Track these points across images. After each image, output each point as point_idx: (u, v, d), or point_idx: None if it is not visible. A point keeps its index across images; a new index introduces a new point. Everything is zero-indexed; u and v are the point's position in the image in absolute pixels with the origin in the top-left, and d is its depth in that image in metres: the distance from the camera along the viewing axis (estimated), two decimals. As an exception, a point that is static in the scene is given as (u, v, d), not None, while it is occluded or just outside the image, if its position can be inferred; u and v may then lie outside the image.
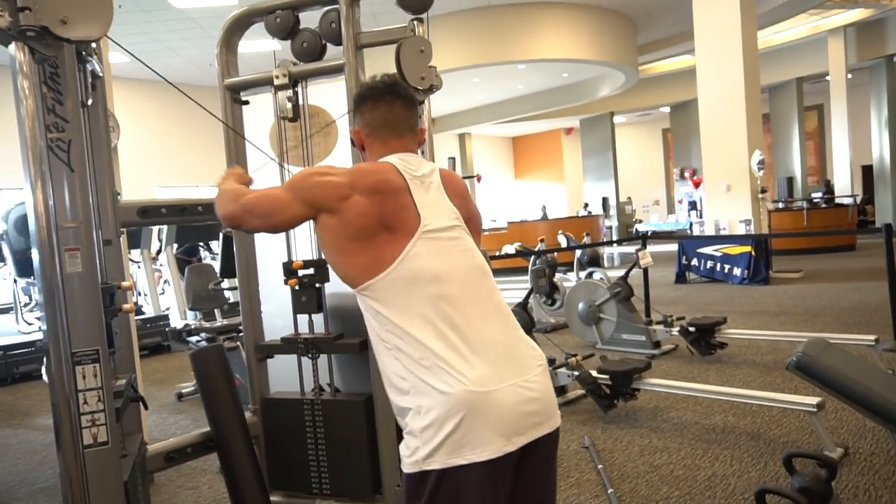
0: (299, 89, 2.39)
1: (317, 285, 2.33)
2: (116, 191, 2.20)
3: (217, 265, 5.56)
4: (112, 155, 2.60)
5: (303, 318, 2.39)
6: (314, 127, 2.45)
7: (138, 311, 7.59)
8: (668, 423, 3.42)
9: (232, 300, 5.61)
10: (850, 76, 13.69)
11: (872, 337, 4.00)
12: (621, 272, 5.69)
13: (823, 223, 11.20)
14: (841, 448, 2.81)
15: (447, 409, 1.20)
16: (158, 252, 7.88)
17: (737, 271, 8.49)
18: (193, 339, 4.76)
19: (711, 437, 3.17)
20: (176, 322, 6.85)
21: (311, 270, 2.32)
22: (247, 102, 2.51)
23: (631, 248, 12.54)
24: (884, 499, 2.41)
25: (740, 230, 8.66)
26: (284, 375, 2.56)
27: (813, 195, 13.24)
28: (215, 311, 5.23)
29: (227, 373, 2.49)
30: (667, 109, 18.44)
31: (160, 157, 12.78)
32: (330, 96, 2.48)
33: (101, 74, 2.15)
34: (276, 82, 2.34)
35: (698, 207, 15.81)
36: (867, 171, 14.93)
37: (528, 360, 1.30)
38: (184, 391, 4.77)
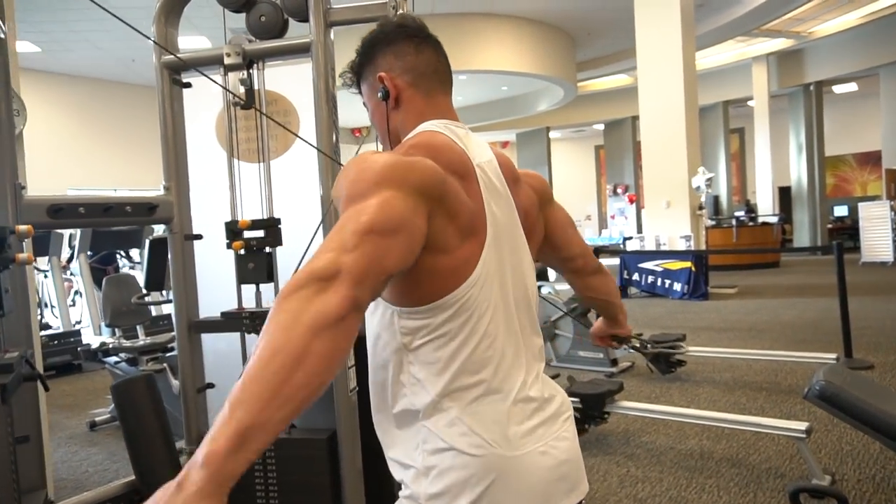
0: (255, 71, 2.03)
1: (267, 249, 1.98)
2: (20, 183, 1.76)
3: (140, 275, 4.99)
4: (16, 142, 2.14)
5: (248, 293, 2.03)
6: (273, 116, 2.09)
7: (45, 326, 6.80)
8: (643, 449, 3.22)
9: (156, 314, 5.05)
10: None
11: (833, 355, 3.98)
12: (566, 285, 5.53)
13: (752, 241, 11.62)
14: (828, 475, 2.68)
15: (468, 476, 0.91)
16: (70, 260, 7.10)
17: (677, 286, 8.58)
18: (111, 359, 4.19)
19: (691, 465, 2.99)
20: (89, 339, 6.15)
21: (260, 232, 1.96)
22: (188, 85, 2.12)
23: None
24: (883, 532, 2.28)
25: (681, 245, 8.78)
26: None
27: (736, 214, 13.76)
28: (137, 327, 4.66)
29: (157, 408, 2.07)
30: (600, 126, 18.84)
31: (73, 157, 11.75)
32: (291, 81, 2.14)
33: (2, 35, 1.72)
34: (226, 61, 1.97)
35: (638, 223, 16.14)
36: (785, 193, 15.70)
37: (555, 409, 1.02)
38: (98, 419, 4.17)
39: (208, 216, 2.19)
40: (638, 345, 1.21)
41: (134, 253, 7.64)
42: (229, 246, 1.98)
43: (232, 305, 2.05)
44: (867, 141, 15.51)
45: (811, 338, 5.61)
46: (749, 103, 15.15)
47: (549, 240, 1.20)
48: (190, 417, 2.13)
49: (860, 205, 11.89)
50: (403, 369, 0.96)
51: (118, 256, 7.44)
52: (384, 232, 0.78)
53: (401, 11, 1.88)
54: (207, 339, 2.21)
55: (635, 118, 15.83)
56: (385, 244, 0.78)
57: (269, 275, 2.01)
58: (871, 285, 8.70)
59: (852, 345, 4.67)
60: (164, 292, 4.66)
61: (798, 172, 14.68)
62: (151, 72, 2.10)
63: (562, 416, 1.02)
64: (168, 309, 5.36)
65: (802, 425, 2.64)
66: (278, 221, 2.00)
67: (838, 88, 15.31)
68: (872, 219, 11.14)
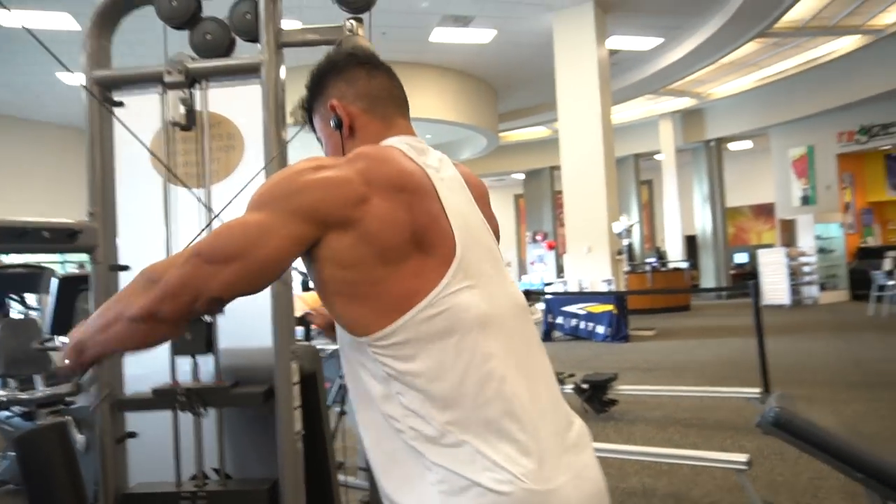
0: (197, 91, 1.91)
1: (206, 318, 1.81)
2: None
3: (42, 318, 4.52)
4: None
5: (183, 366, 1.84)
6: (215, 139, 1.96)
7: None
8: (587, 490, 3.18)
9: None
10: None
11: (757, 389, 4.15)
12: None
13: (665, 285, 12.20)
14: (768, 506, 2.73)
15: None
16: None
17: (600, 329, 8.80)
18: (1, 413, 3.72)
19: (635, 503, 2.97)
20: (-27, 392, 5.47)
21: None
22: (121, 104, 1.96)
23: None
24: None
25: (602, 289, 9.05)
26: (151, 460, 1.94)
27: (648, 260, 14.46)
28: (35, 377, 4.18)
29: (69, 464, 1.82)
30: (520, 176, 19.46)
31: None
32: (236, 104, 2.02)
33: None
34: (166, 79, 1.84)
35: (557, 269, 16.56)
36: (691, 240, 16.70)
37: (578, 438, 0.95)
38: (-18, 483, 3.66)
39: (138, 249, 2.00)
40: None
41: (30, 298, 6.98)
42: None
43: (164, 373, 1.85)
44: (762, 194, 16.84)
45: (729, 375, 5.86)
46: (657, 157, 16.15)
47: None
48: (107, 471, 1.88)
49: (759, 251, 12.80)
50: (394, 400, 0.87)
51: (12, 300, 6.77)
52: (213, 259, 0.84)
53: (356, 36, 1.83)
54: (130, 383, 1.99)
55: (554, 168, 16.50)
56: (209, 270, 0.84)
57: (208, 345, 1.84)
58: (772, 326, 9.25)
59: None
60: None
61: (703, 222, 15.68)
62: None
63: (585, 443, 0.95)
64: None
65: (743, 457, 2.68)
66: None
67: (735, 145, 16.64)
68: (770, 264, 11.99)
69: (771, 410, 1.87)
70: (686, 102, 14.33)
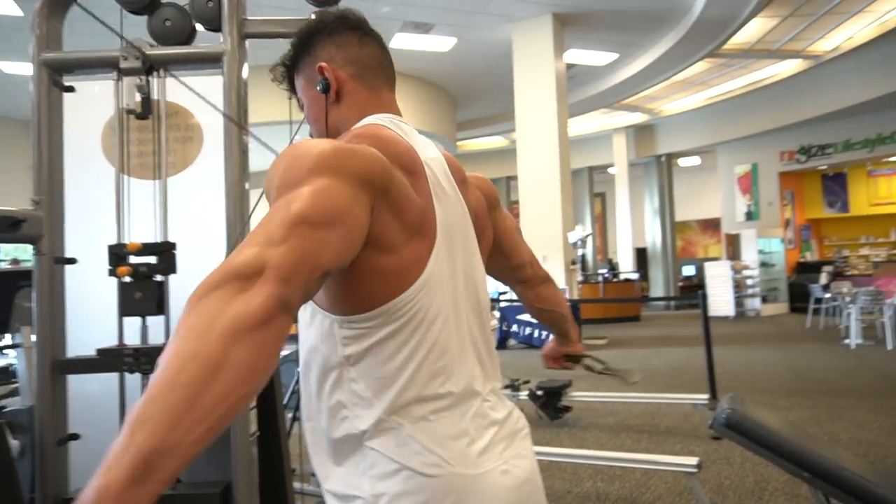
0: (155, 79, 1.84)
1: (158, 277, 1.74)
2: None
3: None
4: None
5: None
6: (172, 130, 1.90)
7: None
8: (541, 494, 3.19)
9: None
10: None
11: (705, 396, 4.26)
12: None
13: (617, 295, 12.45)
14: (716, 508, 2.80)
15: (424, 500, 0.81)
16: None
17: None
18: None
19: (589, 507, 3.00)
20: None
21: (151, 258, 1.73)
22: (71, 89, 1.88)
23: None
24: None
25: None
26: (95, 465, 1.84)
27: (600, 271, 14.76)
28: (-35, 380, 3.93)
29: (4, 469, 1.72)
30: (477, 185, 19.58)
31: None
32: (194, 94, 1.97)
33: None
34: (122, 65, 1.77)
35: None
36: (641, 253, 17.13)
37: (513, 426, 0.95)
38: None
39: (84, 240, 1.91)
40: (592, 365, 1.16)
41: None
42: (112, 273, 1.73)
43: (108, 343, 1.77)
44: (708, 209, 17.45)
45: (678, 382, 6.01)
46: (610, 170, 16.53)
47: (499, 246, 1.15)
48: (47, 476, 1.78)
49: (706, 264, 13.22)
50: (344, 387, 0.85)
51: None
52: (319, 223, 0.68)
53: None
54: (75, 381, 1.89)
55: (510, 178, 16.66)
56: (319, 237, 0.68)
57: (160, 306, 1.77)
58: (717, 336, 9.53)
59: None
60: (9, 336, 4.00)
61: (653, 234, 16.10)
62: None
63: (520, 434, 0.96)
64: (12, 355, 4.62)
65: (693, 460, 2.75)
66: (173, 246, 1.78)
67: (684, 161, 17.18)
68: (716, 277, 12.41)
69: (723, 412, 1.92)
70: (639, 118, 14.73)
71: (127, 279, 1.74)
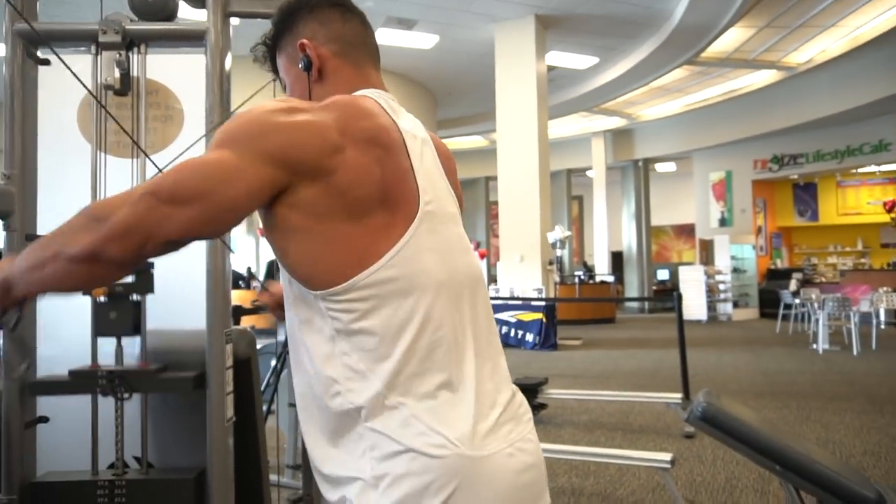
0: (135, 55, 1.80)
1: (135, 297, 1.70)
2: None
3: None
4: None
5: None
6: (152, 108, 1.85)
7: None
8: (516, 489, 3.20)
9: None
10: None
11: (678, 395, 4.31)
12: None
13: (593, 296, 12.55)
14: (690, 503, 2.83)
15: (429, 481, 0.79)
16: None
17: (529, 337, 8.95)
18: None
19: (564, 502, 3.01)
20: None
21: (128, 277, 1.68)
22: (47, 62, 1.82)
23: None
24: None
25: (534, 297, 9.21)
26: (65, 447, 1.79)
27: (576, 273, 14.89)
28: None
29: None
30: (456, 185, 19.60)
31: None
32: (176, 73, 1.93)
33: None
34: (101, 38, 1.72)
35: (488, 277, 16.73)
36: (617, 256, 17.34)
37: (517, 408, 0.93)
38: None
39: (57, 219, 1.85)
40: None
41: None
42: (87, 292, 1.66)
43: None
44: (683, 214, 17.72)
45: (651, 383, 6.08)
46: (589, 173, 16.68)
47: None
48: (12, 460, 1.72)
49: (680, 269, 13.42)
50: (336, 361, 0.84)
51: None
52: (171, 199, 0.77)
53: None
54: (43, 366, 1.83)
55: (489, 178, 16.73)
56: (165, 211, 0.76)
57: (136, 326, 1.72)
58: (690, 339, 9.64)
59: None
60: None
61: (629, 238, 16.30)
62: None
63: (524, 418, 0.93)
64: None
65: (667, 456, 2.77)
66: (151, 265, 1.72)
67: (661, 167, 17.42)
68: (690, 281, 12.59)
69: (699, 405, 1.93)
70: (617, 122, 14.90)
71: (102, 298, 1.69)
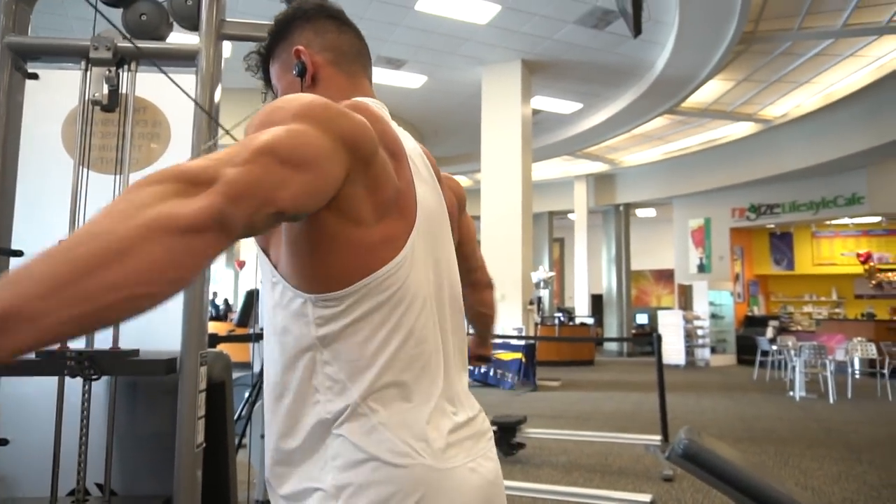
0: (124, 73, 1.80)
1: None
2: None
3: None
4: None
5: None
6: (139, 125, 1.85)
7: None
8: (493, 530, 3.11)
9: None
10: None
11: (658, 437, 4.27)
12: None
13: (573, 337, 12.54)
14: (668, 548, 2.77)
15: (392, 491, 0.77)
16: None
17: (509, 376, 8.87)
18: None
19: (542, 544, 2.94)
20: None
21: None
22: (35, 76, 1.82)
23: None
24: None
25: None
26: (26, 473, 1.72)
27: (556, 315, 14.91)
28: None
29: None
30: (439, 224, 19.69)
31: None
32: (165, 92, 1.93)
33: None
34: (92, 55, 1.72)
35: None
36: (597, 299, 17.42)
37: (480, 426, 0.92)
38: None
39: (34, 233, 1.82)
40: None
41: None
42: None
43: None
44: (662, 260, 17.92)
45: (630, 425, 6.03)
46: (570, 216, 16.87)
47: (460, 248, 1.16)
48: (-33, 483, 1.64)
49: (659, 313, 13.50)
50: (317, 370, 0.81)
51: None
52: (287, 160, 0.64)
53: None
54: (7, 383, 1.77)
55: (473, 217, 16.79)
56: (283, 173, 0.63)
57: None
58: (669, 383, 9.62)
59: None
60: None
61: (609, 282, 16.41)
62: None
63: (486, 435, 0.93)
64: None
65: (647, 497, 2.73)
66: None
67: (641, 212, 17.69)
68: (669, 325, 12.65)
69: (681, 442, 1.91)
70: (599, 167, 15.17)
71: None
